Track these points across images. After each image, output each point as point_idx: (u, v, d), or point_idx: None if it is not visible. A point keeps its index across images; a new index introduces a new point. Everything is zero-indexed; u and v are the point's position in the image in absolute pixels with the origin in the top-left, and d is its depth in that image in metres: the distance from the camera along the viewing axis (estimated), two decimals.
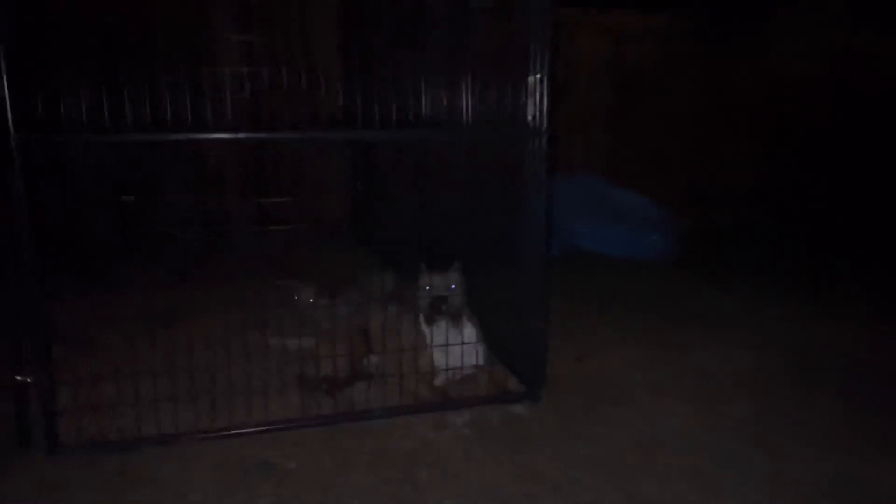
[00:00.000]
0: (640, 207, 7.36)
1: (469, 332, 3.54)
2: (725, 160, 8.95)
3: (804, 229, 8.19)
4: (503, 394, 3.48)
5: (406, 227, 5.11)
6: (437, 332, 3.48)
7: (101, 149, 5.05)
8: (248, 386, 3.41)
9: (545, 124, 3.27)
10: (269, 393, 3.36)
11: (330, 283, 5.01)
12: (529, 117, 3.32)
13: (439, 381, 3.53)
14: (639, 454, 3.02)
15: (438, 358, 3.50)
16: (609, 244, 6.81)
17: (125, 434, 3.05)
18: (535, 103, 3.29)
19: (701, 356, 4.15)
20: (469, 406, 3.39)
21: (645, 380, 3.80)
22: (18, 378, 2.85)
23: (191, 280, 5.33)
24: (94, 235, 5.22)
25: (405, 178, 5.14)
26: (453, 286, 3.48)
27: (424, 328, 3.57)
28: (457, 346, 3.45)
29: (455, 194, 4.30)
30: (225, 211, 6.03)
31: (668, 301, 5.40)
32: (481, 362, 3.59)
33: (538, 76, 3.26)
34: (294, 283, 4.77)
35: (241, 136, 3.49)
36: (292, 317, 4.58)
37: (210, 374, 3.46)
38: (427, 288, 3.47)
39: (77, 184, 5.43)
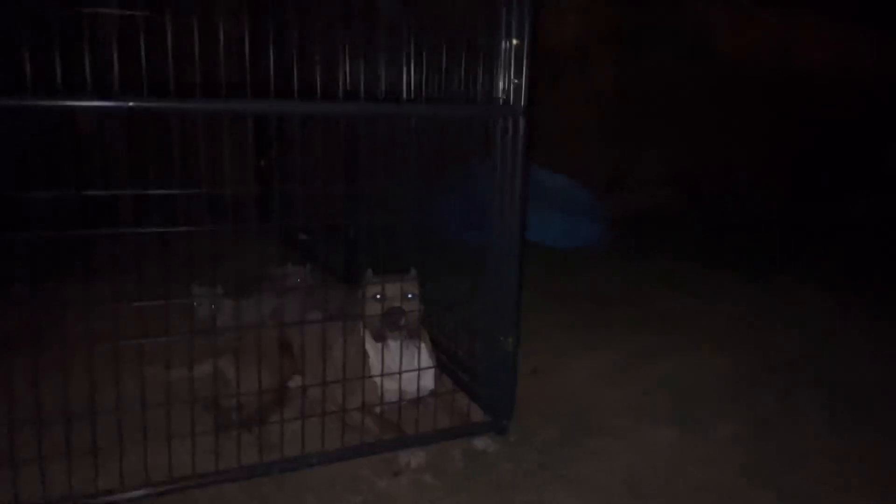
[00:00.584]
0: (569, 192, 6.96)
1: (426, 352, 2.93)
2: (643, 142, 8.72)
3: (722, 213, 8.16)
4: (465, 425, 2.90)
5: (329, 215, 4.40)
6: (388, 352, 2.84)
7: None
8: (145, 430, 2.64)
9: (524, 101, 2.68)
10: (173, 437, 2.59)
11: (238, 281, 4.24)
12: (501, 92, 2.71)
13: (387, 411, 2.90)
14: (632, 499, 2.54)
15: (388, 383, 2.87)
16: (540, 232, 6.34)
17: None
18: (510, 75, 2.69)
19: (669, 365, 3.75)
20: (426, 443, 2.78)
21: (619, 399, 3.33)
22: None
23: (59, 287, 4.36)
24: None
25: (331, 159, 4.41)
26: (410, 295, 2.85)
27: (369, 346, 2.93)
28: (411, 370, 2.84)
29: (403, 180, 3.63)
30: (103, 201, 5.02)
31: (617, 296, 5.00)
32: (434, 387, 3.01)
33: (514, 42, 2.66)
34: (204, 289, 3.98)
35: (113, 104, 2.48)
36: (196, 332, 3.81)
37: (90, 419, 2.65)
38: (376, 296, 2.82)
39: None
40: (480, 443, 2.85)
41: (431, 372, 2.94)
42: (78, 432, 2.39)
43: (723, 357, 3.86)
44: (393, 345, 2.84)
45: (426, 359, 2.90)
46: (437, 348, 3.28)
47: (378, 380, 2.84)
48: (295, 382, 3.18)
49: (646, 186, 8.59)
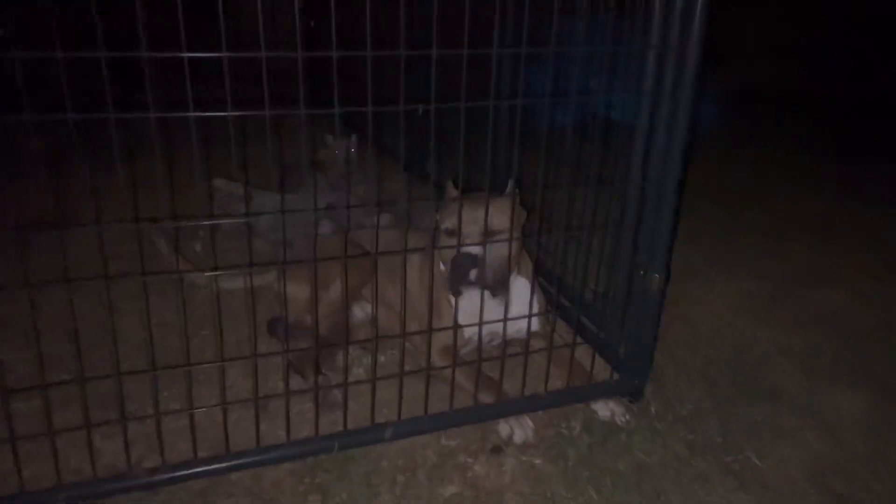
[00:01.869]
0: None
1: (520, 302, 2.14)
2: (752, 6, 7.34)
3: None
4: (587, 387, 2.14)
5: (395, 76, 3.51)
6: (467, 303, 2.07)
7: None
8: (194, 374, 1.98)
9: None
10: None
11: (277, 168, 3.47)
12: None
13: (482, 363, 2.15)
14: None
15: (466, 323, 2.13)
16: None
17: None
18: None
19: (831, 295, 2.90)
20: (535, 408, 2.06)
21: (778, 344, 2.53)
22: None
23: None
24: None
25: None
26: (499, 227, 2.03)
27: (446, 295, 2.16)
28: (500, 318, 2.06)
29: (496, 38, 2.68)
30: None
31: (744, 196, 4.05)
32: (539, 328, 2.25)
33: None
34: (224, 181, 3.25)
35: None
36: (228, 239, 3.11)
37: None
38: (449, 230, 2.02)
39: None
40: (606, 409, 2.11)
41: (534, 310, 2.17)
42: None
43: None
44: (471, 296, 2.06)
45: (521, 309, 2.12)
46: (549, 283, 2.50)
47: (463, 322, 2.09)
48: (362, 310, 2.47)
49: (757, 58, 7.31)
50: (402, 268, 2.07)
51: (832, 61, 7.55)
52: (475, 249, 1.93)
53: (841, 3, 7.47)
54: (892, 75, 7.19)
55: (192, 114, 1.43)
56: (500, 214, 2.03)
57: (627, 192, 2.04)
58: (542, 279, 2.56)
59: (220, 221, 2.26)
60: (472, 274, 1.95)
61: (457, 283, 1.98)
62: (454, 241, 1.94)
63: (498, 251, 2.01)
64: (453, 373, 1.97)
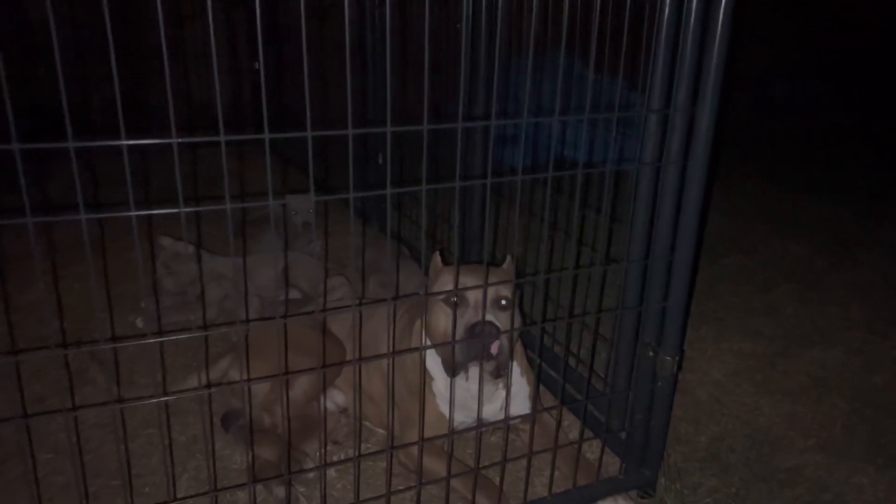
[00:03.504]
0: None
1: (520, 383, 1.92)
2: None
3: None
4: (594, 484, 1.90)
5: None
6: (458, 390, 1.82)
7: None
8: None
9: None
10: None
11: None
12: None
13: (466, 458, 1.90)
14: None
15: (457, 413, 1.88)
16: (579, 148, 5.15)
17: None
18: None
19: (831, 354, 2.74)
20: None
21: (786, 415, 2.34)
22: None
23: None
24: None
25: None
26: (504, 301, 1.79)
27: (432, 363, 1.91)
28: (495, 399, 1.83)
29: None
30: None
31: (717, 237, 3.91)
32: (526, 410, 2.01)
33: None
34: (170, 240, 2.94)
35: None
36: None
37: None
38: (452, 300, 1.77)
39: None
40: None
41: (521, 395, 1.95)
42: None
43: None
44: (469, 379, 1.82)
45: (519, 389, 1.90)
46: (546, 365, 2.29)
47: (447, 409, 1.84)
48: (331, 400, 2.18)
49: None
50: (384, 350, 1.81)
51: (777, 93, 7.64)
52: (490, 318, 1.69)
53: (785, 36, 7.57)
54: (838, 105, 7.31)
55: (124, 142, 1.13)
56: (505, 284, 1.80)
57: (628, 270, 1.82)
58: (545, 363, 2.34)
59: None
60: (495, 347, 1.69)
61: (470, 357, 1.71)
62: (451, 316, 1.68)
63: (509, 322, 1.77)
64: (448, 482, 1.70)
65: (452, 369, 1.71)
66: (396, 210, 3.52)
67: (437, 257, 1.94)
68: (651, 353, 1.82)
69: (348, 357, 2.09)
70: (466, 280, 1.74)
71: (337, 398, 2.16)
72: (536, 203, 1.69)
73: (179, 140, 1.14)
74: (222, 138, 1.17)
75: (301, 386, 1.97)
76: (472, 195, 2.68)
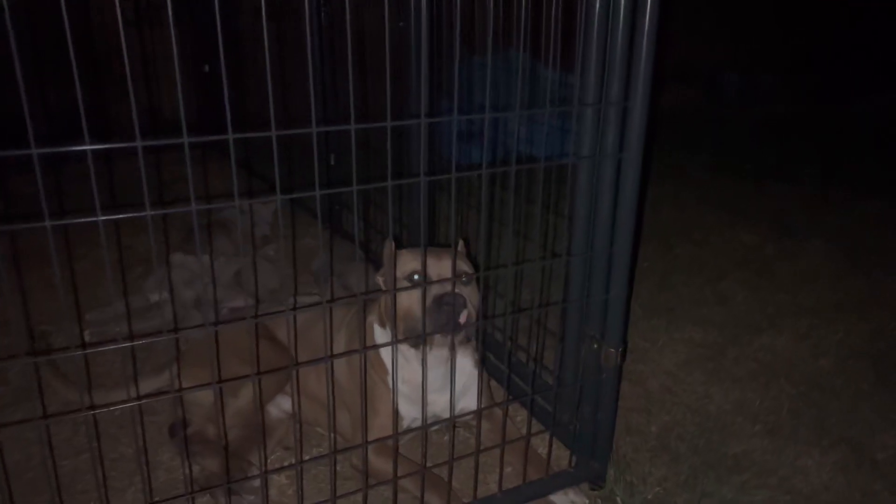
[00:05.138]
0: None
1: (471, 376, 1.93)
2: None
3: None
4: (545, 477, 1.90)
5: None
6: (410, 364, 1.83)
7: None
8: None
9: None
10: None
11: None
12: None
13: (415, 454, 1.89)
14: None
15: (406, 409, 1.89)
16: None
17: None
18: None
19: (780, 340, 2.79)
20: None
21: (734, 401, 2.38)
22: None
23: None
24: None
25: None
26: (465, 278, 1.84)
27: (384, 352, 1.91)
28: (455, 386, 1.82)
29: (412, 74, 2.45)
30: None
31: (667, 226, 3.96)
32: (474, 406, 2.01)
33: None
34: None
35: None
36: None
37: None
38: (415, 276, 1.80)
39: None
40: (566, 502, 1.88)
41: (473, 389, 1.95)
42: None
43: (851, 324, 2.91)
44: (434, 355, 1.83)
45: (471, 375, 1.91)
46: (496, 360, 2.29)
47: (401, 404, 1.85)
48: (277, 407, 2.15)
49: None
50: (328, 347, 1.79)
51: (727, 85, 7.78)
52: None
53: (736, 31, 7.73)
54: (787, 97, 7.47)
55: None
56: (463, 261, 1.86)
57: (570, 263, 1.83)
58: (495, 358, 2.35)
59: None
60: (463, 316, 1.70)
61: (440, 327, 1.70)
62: (419, 291, 1.67)
63: (473, 297, 1.81)
64: (395, 479, 1.69)
65: (421, 340, 1.69)
66: (346, 210, 3.53)
67: (389, 243, 1.92)
68: (595, 346, 1.83)
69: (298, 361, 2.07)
70: (429, 255, 1.77)
71: (286, 405, 2.13)
72: (474, 198, 1.69)
73: (144, 143, 1.13)
74: (185, 140, 1.17)
75: (247, 395, 1.94)
76: (416, 192, 2.68)
